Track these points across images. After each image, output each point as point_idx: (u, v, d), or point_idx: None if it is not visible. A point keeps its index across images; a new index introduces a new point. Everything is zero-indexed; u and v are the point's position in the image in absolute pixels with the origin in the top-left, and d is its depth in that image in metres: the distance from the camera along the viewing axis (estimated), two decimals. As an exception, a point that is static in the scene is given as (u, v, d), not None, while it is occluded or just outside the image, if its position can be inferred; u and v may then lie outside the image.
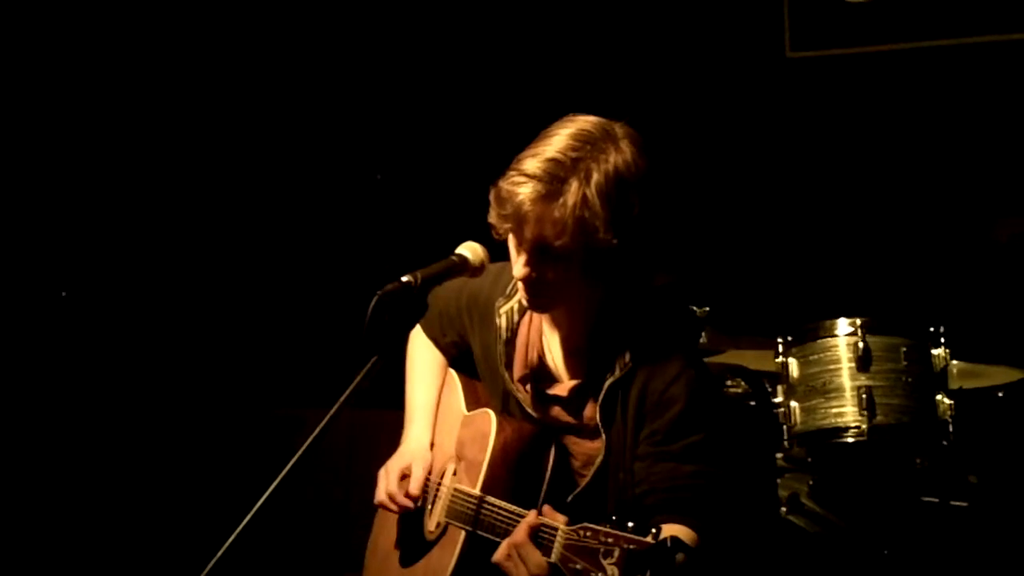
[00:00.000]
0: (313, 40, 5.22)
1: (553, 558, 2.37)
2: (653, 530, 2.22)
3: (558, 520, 2.41)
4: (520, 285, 2.63)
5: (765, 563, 3.95)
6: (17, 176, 4.83)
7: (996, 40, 4.96)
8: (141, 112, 5.05)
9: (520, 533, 2.44)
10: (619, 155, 2.51)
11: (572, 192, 2.47)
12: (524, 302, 2.68)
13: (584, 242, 2.48)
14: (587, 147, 2.50)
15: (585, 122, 2.56)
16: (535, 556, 2.40)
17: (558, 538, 2.38)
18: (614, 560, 2.22)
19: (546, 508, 2.48)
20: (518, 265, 2.58)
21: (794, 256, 5.04)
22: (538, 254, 2.54)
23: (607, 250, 2.50)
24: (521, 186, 2.49)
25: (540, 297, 2.61)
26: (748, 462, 4.06)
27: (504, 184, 2.52)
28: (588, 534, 2.30)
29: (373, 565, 3.01)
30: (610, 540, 2.25)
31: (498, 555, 2.48)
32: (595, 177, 2.48)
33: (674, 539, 2.21)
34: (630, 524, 2.25)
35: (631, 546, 2.21)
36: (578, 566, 2.28)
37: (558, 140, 2.52)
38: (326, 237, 5.15)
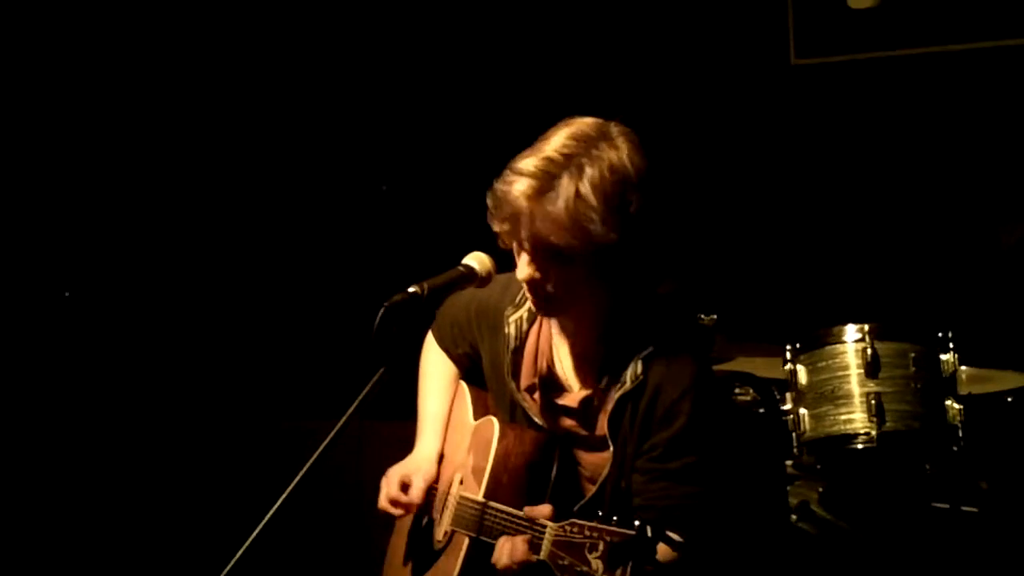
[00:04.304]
0: (319, 51, 5.22)
1: (542, 555, 2.41)
2: (636, 522, 2.27)
3: (537, 514, 2.48)
4: (526, 288, 2.64)
5: (775, 571, 3.95)
6: (22, 176, 4.84)
7: (1002, 45, 4.96)
8: (147, 117, 5.05)
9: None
10: (614, 152, 2.52)
11: (564, 187, 2.48)
12: (532, 307, 2.68)
13: (583, 239, 2.49)
14: (581, 144, 2.52)
15: (582, 122, 2.58)
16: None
17: (547, 535, 2.42)
18: (599, 554, 2.28)
19: (526, 508, 2.53)
20: (520, 266, 2.59)
21: (802, 263, 5.03)
22: (538, 253, 2.54)
23: (610, 249, 2.50)
24: (514, 184, 2.52)
25: (544, 299, 2.61)
26: (757, 470, 4.05)
27: (498, 184, 2.54)
28: (575, 529, 2.35)
29: (387, 577, 3.04)
30: (595, 534, 2.31)
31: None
32: (588, 172, 2.48)
33: (656, 529, 2.26)
34: (614, 518, 2.30)
35: (614, 538, 2.27)
36: (565, 561, 2.34)
37: (554, 139, 2.54)
38: (332, 248, 5.15)
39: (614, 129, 2.57)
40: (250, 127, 5.16)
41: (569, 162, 2.49)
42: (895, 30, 5.08)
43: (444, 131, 5.19)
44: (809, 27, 5.18)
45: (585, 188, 2.48)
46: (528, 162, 2.52)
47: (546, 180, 2.49)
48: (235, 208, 5.13)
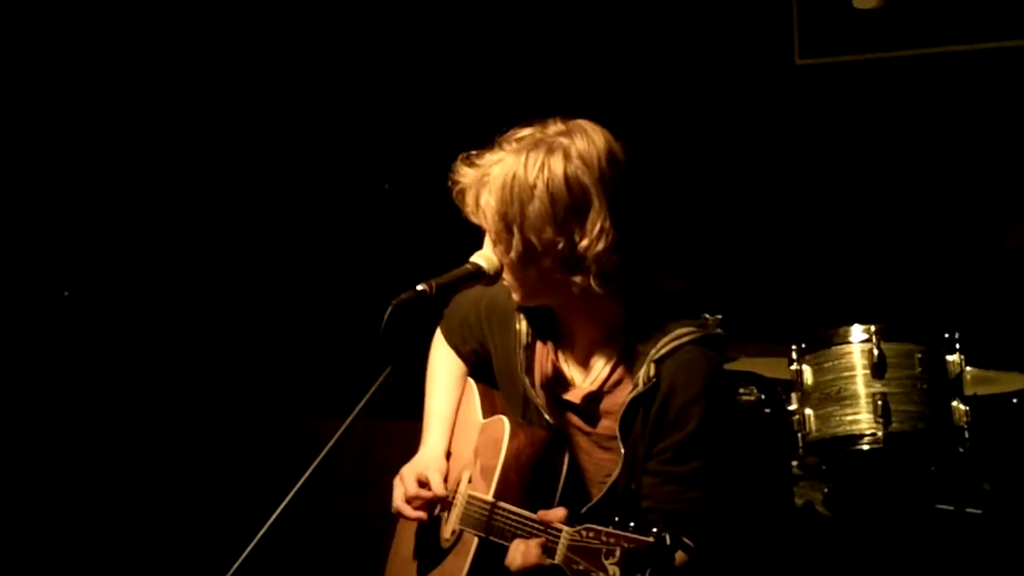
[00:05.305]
0: (322, 49, 5.22)
1: (557, 559, 2.40)
2: (654, 529, 2.25)
3: (552, 517, 2.46)
4: None
5: (780, 571, 3.95)
6: (22, 175, 4.82)
7: (1006, 46, 4.97)
8: (148, 117, 5.05)
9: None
10: (555, 155, 2.52)
11: (490, 178, 2.55)
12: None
13: (513, 231, 2.53)
14: (528, 143, 2.54)
15: (546, 123, 2.59)
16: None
17: (562, 539, 2.40)
18: (615, 560, 2.26)
19: (540, 511, 2.52)
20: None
21: (807, 263, 5.04)
22: (492, 235, 2.60)
23: (557, 248, 2.51)
24: (456, 172, 2.63)
25: (509, 283, 2.65)
26: (763, 470, 4.04)
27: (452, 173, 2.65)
28: (591, 535, 2.33)
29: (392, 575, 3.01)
30: (612, 540, 2.28)
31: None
32: (518, 173, 2.52)
33: (674, 536, 2.24)
34: (631, 524, 2.28)
35: (631, 545, 2.25)
36: (581, 566, 2.32)
37: (514, 134, 2.59)
38: (338, 246, 5.14)
39: (576, 136, 2.55)
40: (254, 125, 5.16)
41: (503, 160, 2.55)
42: (899, 31, 5.09)
43: (448, 128, 5.18)
44: (813, 27, 5.18)
45: (508, 183, 2.52)
46: (478, 154, 2.60)
47: (478, 169, 2.58)
48: (239, 206, 5.13)
